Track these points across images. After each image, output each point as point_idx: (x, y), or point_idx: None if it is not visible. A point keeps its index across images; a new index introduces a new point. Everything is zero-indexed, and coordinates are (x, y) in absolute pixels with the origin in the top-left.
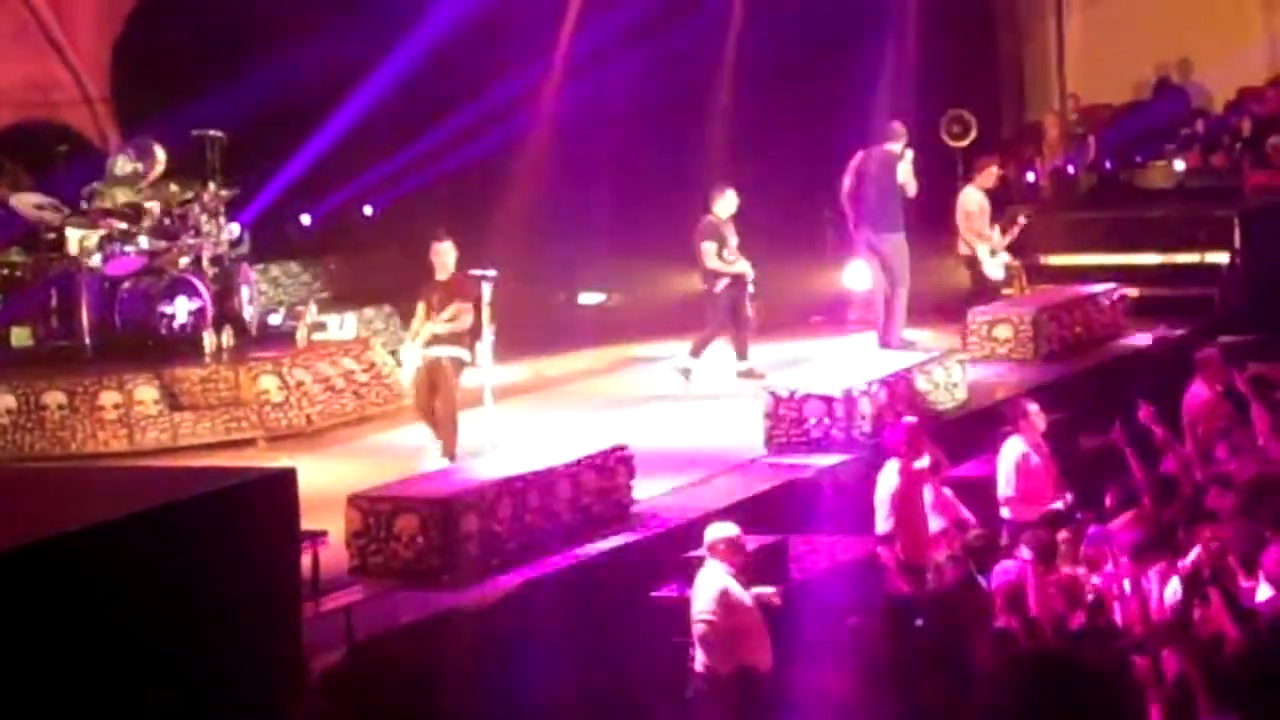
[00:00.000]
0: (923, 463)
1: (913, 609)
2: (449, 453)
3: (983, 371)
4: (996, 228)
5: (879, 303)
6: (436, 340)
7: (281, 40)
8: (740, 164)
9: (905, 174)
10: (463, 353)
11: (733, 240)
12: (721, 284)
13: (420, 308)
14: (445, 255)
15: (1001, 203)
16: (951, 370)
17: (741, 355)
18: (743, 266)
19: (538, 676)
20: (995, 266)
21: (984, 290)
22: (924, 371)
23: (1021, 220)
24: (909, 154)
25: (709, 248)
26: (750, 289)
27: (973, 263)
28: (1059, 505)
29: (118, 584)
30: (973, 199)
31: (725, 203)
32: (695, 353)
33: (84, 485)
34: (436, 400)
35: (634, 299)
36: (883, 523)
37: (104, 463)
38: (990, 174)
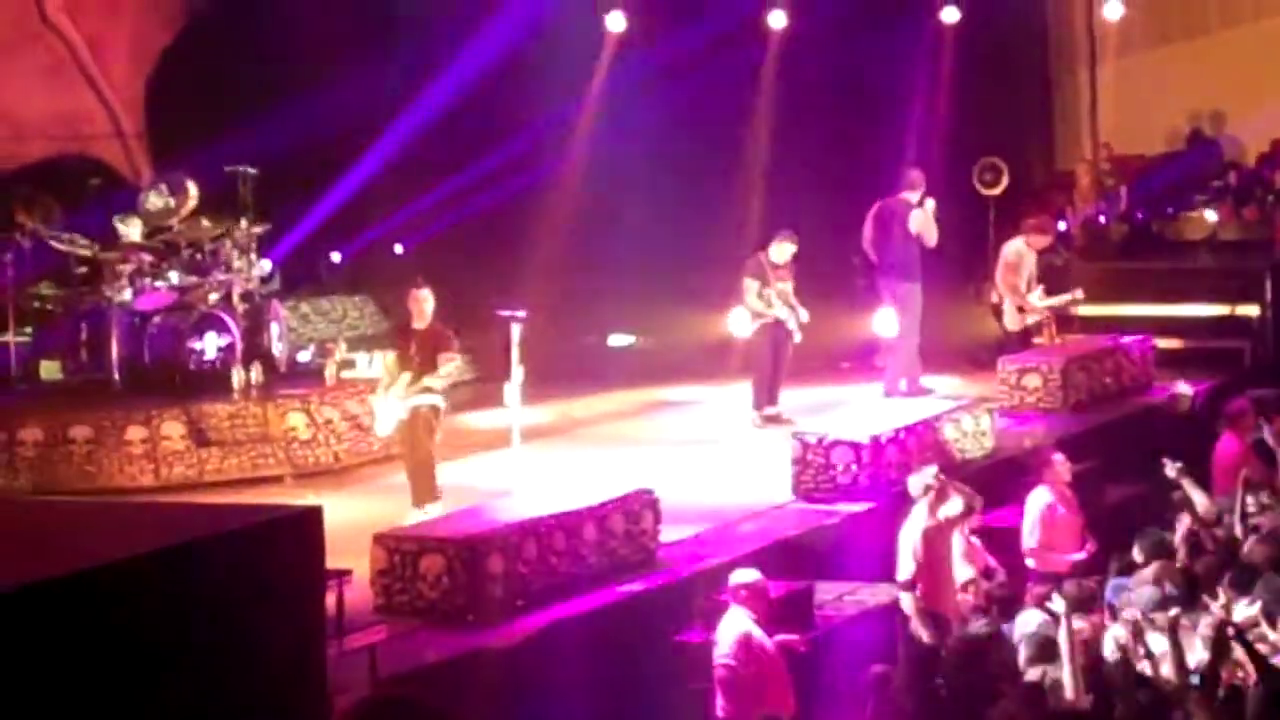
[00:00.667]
0: (951, 509)
1: (936, 658)
2: (421, 502)
3: (1011, 420)
4: (1040, 288)
5: (887, 349)
6: (420, 389)
7: (315, 78)
8: (771, 208)
9: (919, 223)
10: (442, 400)
11: (780, 285)
12: (757, 325)
13: (392, 357)
14: (424, 303)
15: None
16: (980, 419)
17: (771, 400)
18: (780, 313)
19: (560, 718)
20: (1015, 320)
21: (1013, 339)
22: (953, 419)
23: (1078, 295)
24: (929, 203)
25: (749, 285)
26: (797, 337)
27: (998, 313)
28: (1082, 556)
29: (141, 621)
30: (1015, 251)
31: (780, 248)
32: (759, 404)
33: (109, 520)
34: (413, 449)
35: (663, 342)
36: (904, 568)
37: (130, 497)
38: (1043, 238)
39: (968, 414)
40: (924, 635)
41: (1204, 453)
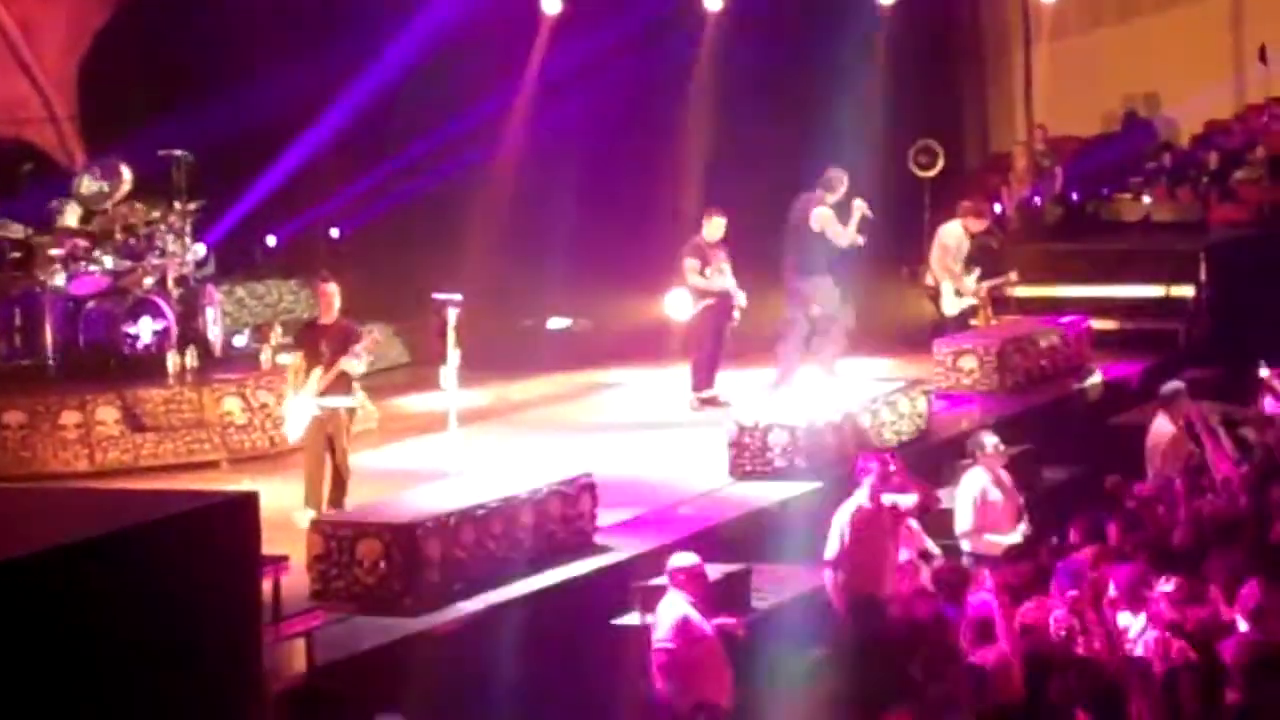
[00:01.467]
0: (904, 500)
1: (878, 641)
2: (339, 504)
3: (947, 403)
4: (976, 271)
5: (787, 340)
6: (332, 389)
7: (249, 62)
8: (707, 192)
9: (822, 220)
10: (356, 400)
11: (722, 264)
12: (703, 304)
13: (299, 357)
14: (333, 297)
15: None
16: (916, 401)
17: (709, 383)
18: (728, 283)
19: (498, 703)
20: (953, 304)
21: (950, 323)
22: (888, 402)
23: (1013, 277)
24: (857, 203)
25: (690, 264)
26: (736, 315)
27: (935, 295)
28: (1017, 538)
29: (76, 608)
30: (952, 235)
31: (712, 226)
32: (697, 386)
33: (43, 507)
34: (329, 453)
35: (600, 325)
36: (831, 547)
37: (65, 483)
38: (980, 221)
39: (903, 396)
40: (843, 613)
41: (1138, 434)
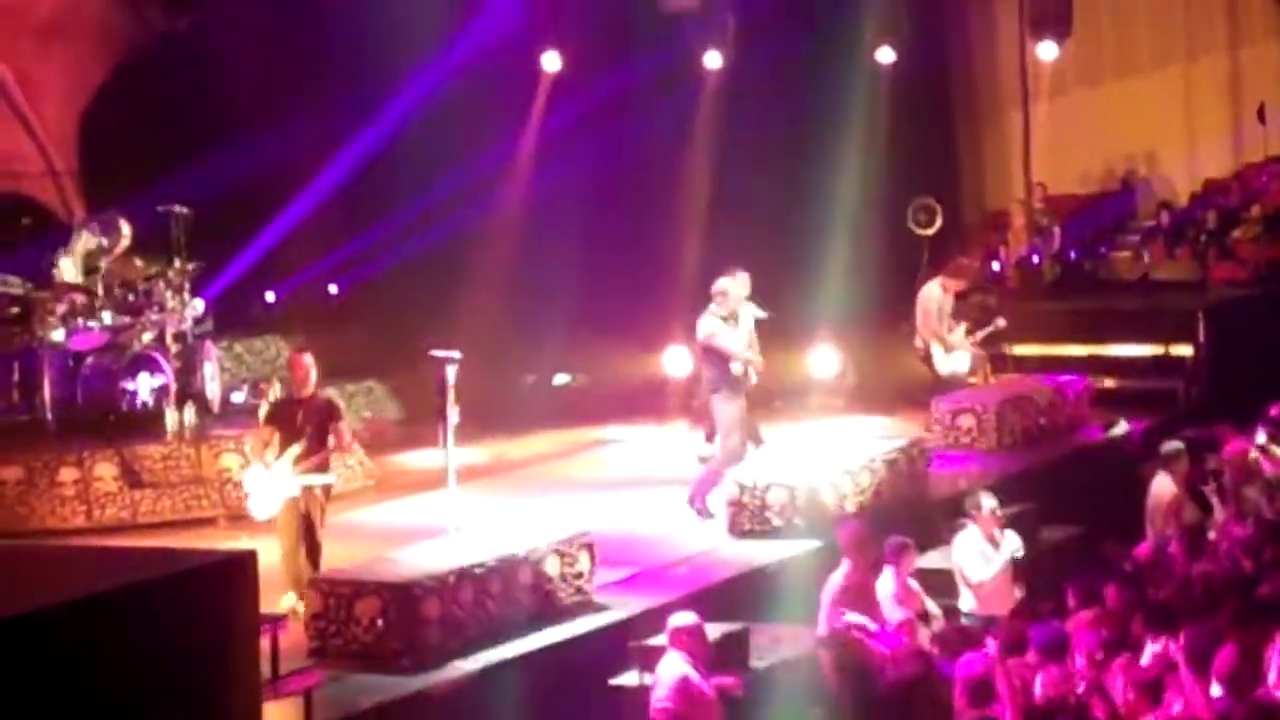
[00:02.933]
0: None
1: (873, 701)
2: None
3: (945, 461)
4: (962, 325)
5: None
6: (311, 467)
7: (248, 118)
8: (707, 249)
9: (705, 330)
10: (332, 478)
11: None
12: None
13: (267, 430)
14: (310, 369)
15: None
16: (915, 459)
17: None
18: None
19: None
20: (947, 363)
21: (946, 382)
22: (888, 460)
23: (1000, 323)
24: (744, 309)
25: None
26: (754, 378)
27: (926, 358)
28: (1013, 599)
29: (75, 666)
30: (933, 298)
31: (739, 284)
32: (710, 438)
33: (40, 564)
34: (304, 532)
35: (599, 382)
36: (822, 624)
37: (62, 539)
38: (958, 280)
39: (902, 455)
40: (839, 690)
41: (1138, 494)
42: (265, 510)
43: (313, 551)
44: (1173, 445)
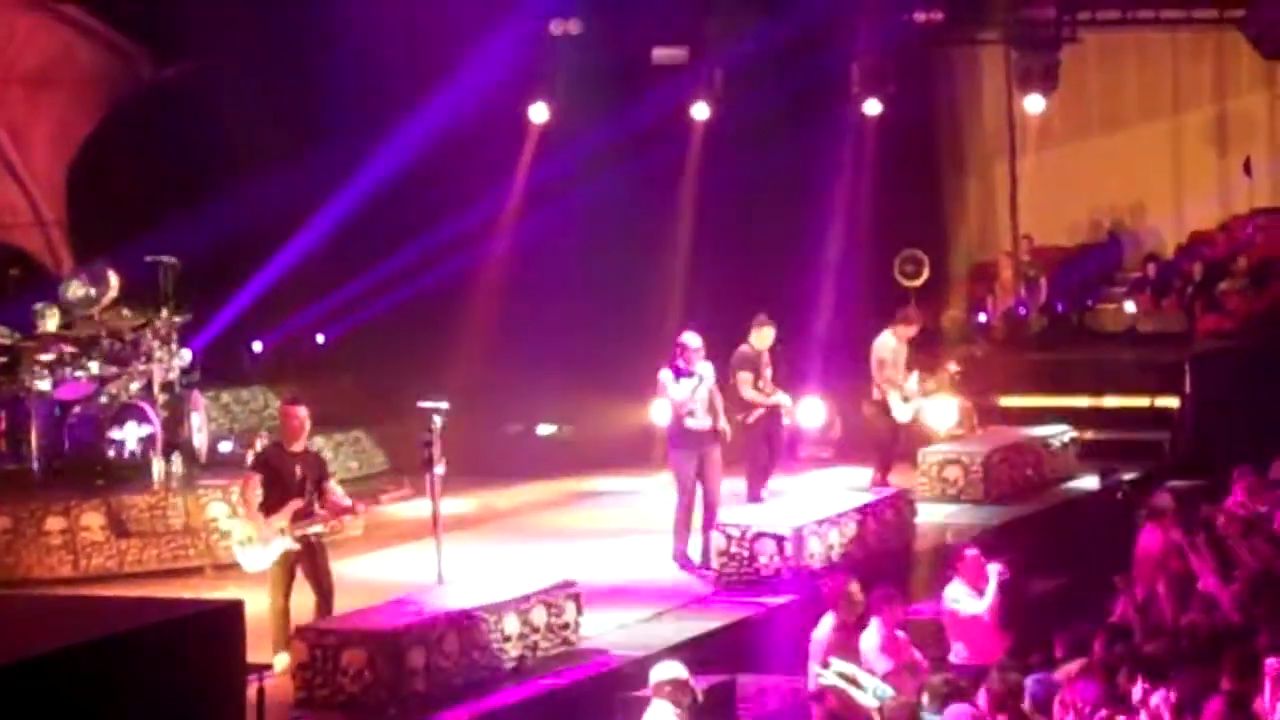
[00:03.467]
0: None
1: None
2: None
3: (932, 512)
4: (914, 373)
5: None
6: (308, 519)
7: (236, 169)
8: (693, 299)
9: (661, 380)
10: (324, 527)
11: (768, 372)
12: (755, 415)
13: (254, 480)
14: (306, 421)
15: (954, 342)
16: (902, 511)
17: (759, 495)
18: (779, 398)
19: None
20: (903, 411)
21: (907, 429)
22: (874, 512)
23: (952, 368)
24: (700, 370)
25: (744, 378)
26: (786, 421)
27: (884, 408)
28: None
29: (60, 717)
30: (887, 347)
31: (761, 335)
32: (754, 497)
33: (27, 614)
34: (313, 583)
35: (586, 432)
36: (813, 679)
37: (49, 589)
38: (910, 328)
39: (889, 506)
40: None
41: (1125, 545)
42: (259, 564)
43: (327, 597)
44: (1161, 497)
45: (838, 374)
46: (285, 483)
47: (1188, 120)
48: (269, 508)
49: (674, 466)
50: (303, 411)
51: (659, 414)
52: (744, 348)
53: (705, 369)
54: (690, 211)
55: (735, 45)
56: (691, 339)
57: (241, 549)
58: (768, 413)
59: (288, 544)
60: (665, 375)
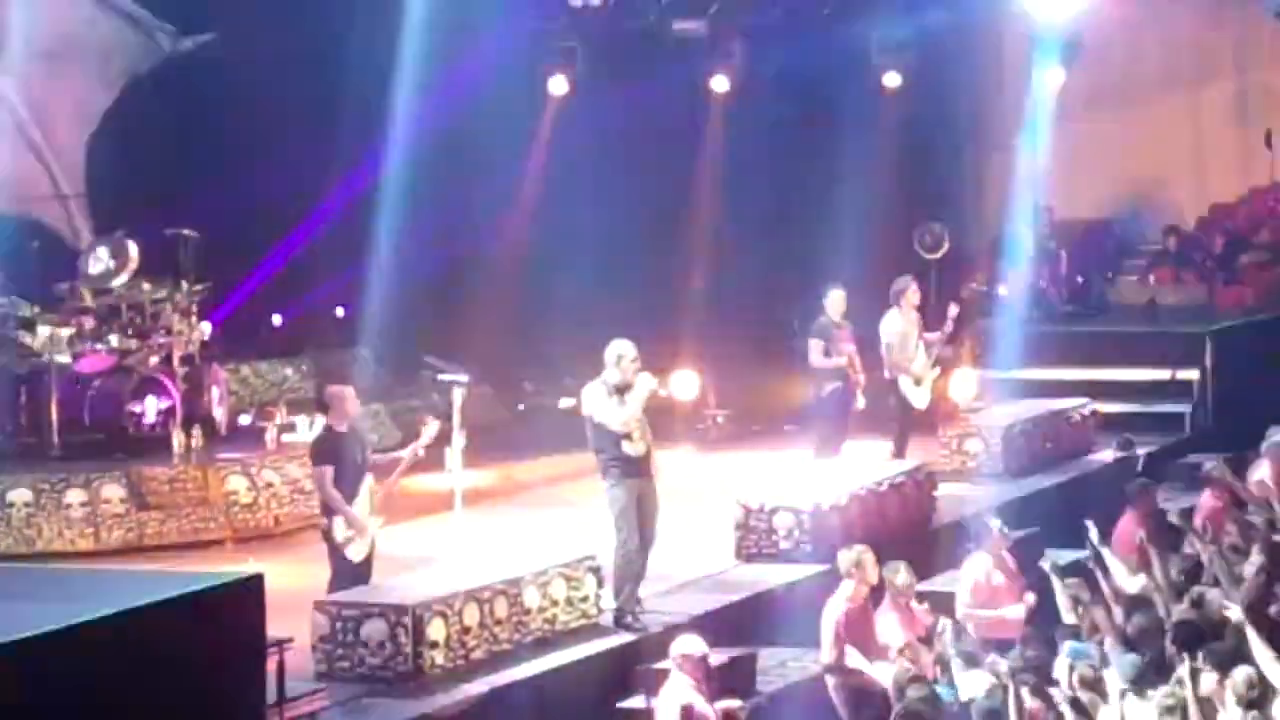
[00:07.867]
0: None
1: None
2: None
3: (952, 486)
4: (920, 354)
5: None
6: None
7: (255, 141)
8: (714, 272)
9: (586, 404)
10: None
11: (846, 346)
12: (831, 386)
13: (329, 470)
14: (357, 402)
15: (973, 315)
16: (922, 483)
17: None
18: (841, 363)
19: None
20: (920, 397)
21: (927, 412)
22: (894, 484)
23: (952, 312)
24: (642, 380)
25: (814, 345)
26: (859, 395)
27: (896, 391)
28: (1020, 622)
29: (81, 689)
30: (893, 331)
31: (833, 301)
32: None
33: (48, 587)
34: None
35: None
36: (826, 652)
37: (70, 561)
38: (912, 297)
39: (908, 479)
40: (844, 714)
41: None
42: (362, 554)
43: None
44: (1139, 481)
45: (856, 347)
46: (352, 468)
47: (1209, 93)
48: (346, 496)
49: (610, 501)
50: (349, 391)
51: (681, 388)
52: (820, 318)
53: (644, 381)
54: (709, 183)
55: (755, 17)
56: (627, 349)
57: (348, 544)
58: (840, 387)
59: (380, 523)
60: (598, 396)
